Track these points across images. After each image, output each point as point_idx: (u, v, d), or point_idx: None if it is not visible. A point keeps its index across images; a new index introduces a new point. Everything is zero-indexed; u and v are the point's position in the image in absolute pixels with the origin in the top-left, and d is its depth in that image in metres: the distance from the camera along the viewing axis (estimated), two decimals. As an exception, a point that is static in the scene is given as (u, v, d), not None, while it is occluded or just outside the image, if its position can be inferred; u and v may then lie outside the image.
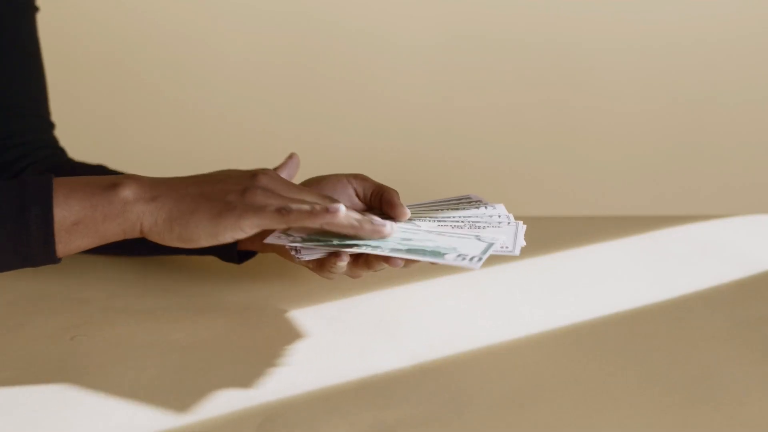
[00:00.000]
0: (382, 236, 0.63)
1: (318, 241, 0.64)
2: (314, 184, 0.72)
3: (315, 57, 1.64)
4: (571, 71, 1.64)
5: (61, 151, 0.91)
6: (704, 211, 1.02)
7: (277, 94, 1.65)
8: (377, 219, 0.64)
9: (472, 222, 0.69)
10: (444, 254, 0.61)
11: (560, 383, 0.60)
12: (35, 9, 0.90)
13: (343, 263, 0.65)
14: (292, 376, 0.60)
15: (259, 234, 0.73)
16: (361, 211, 0.71)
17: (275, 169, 0.74)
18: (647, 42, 1.63)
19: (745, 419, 0.55)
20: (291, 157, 0.77)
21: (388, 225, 0.64)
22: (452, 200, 0.74)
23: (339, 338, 0.67)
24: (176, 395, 0.58)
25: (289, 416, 0.55)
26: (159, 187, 0.64)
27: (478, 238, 0.64)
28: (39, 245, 0.61)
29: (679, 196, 1.64)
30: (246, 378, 0.60)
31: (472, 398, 0.57)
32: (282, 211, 0.61)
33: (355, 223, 0.63)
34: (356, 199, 0.72)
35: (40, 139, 0.88)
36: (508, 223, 0.68)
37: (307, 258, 0.66)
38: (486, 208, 0.72)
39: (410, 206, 0.74)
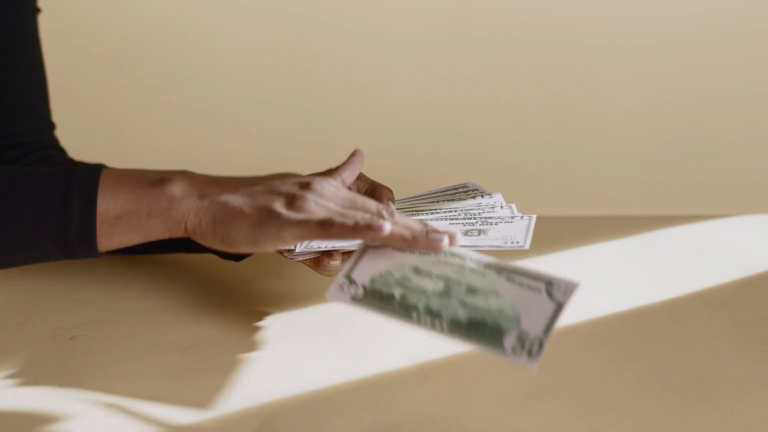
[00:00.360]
0: (438, 251, 0.59)
1: (377, 302, 0.58)
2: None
3: (315, 56, 1.64)
4: (570, 71, 1.64)
5: (62, 152, 0.91)
6: (704, 211, 1.02)
7: (276, 93, 1.65)
8: (435, 231, 0.59)
9: (469, 212, 0.69)
10: (504, 332, 0.54)
11: (560, 383, 0.60)
12: (37, 10, 0.90)
13: (337, 262, 0.65)
14: (292, 376, 0.60)
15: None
16: None
17: (337, 168, 0.69)
18: (647, 41, 1.63)
19: (745, 419, 0.55)
20: (354, 154, 0.70)
21: (446, 239, 0.59)
22: (449, 190, 0.74)
23: (339, 338, 0.67)
24: (176, 395, 0.58)
25: (289, 416, 0.55)
26: (209, 187, 0.62)
27: (549, 292, 0.55)
28: (80, 237, 0.60)
29: (679, 196, 1.64)
30: (246, 378, 0.60)
31: (472, 398, 0.57)
32: (324, 225, 0.59)
33: (408, 237, 0.59)
34: None
35: (40, 139, 0.88)
36: (521, 217, 0.68)
37: (301, 258, 0.66)
38: (483, 197, 0.72)
39: (407, 198, 0.74)
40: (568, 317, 0.70)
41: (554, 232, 0.92)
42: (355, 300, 0.58)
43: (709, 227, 0.95)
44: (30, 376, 0.61)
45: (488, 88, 1.65)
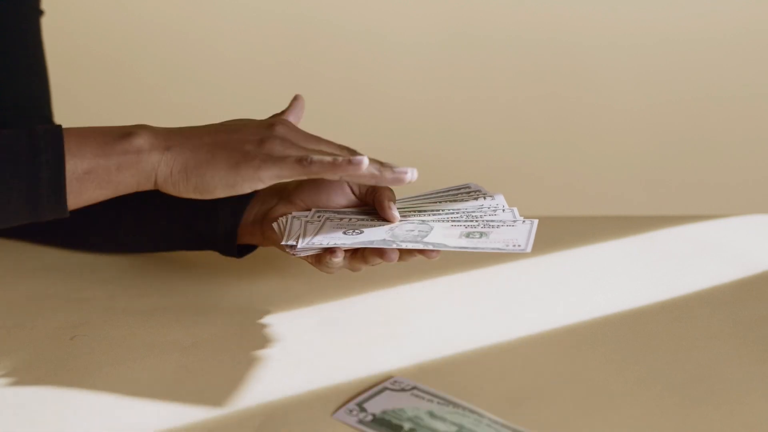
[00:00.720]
0: (402, 183, 0.62)
1: (384, 429, 0.54)
2: (310, 179, 0.71)
3: (315, 56, 1.64)
4: (570, 71, 1.64)
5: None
6: (704, 211, 1.02)
7: (276, 93, 1.65)
8: (399, 167, 0.63)
9: (471, 214, 0.69)
10: None
11: (560, 383, 0.60)
12: (39, 12, 0.90)
13: (339, 259, 0.65)
14: (292, 376, 0.60)
15: (258, 226, 0.73)
16: (356, 207, 0.71)
17: (281, 113, 0.71)
18: (647, 41, 1.63)
19: (745, 419, 0.55)
20: (296, 99, 0.73)
21: (410, 172, 0.62)
22: (451, 190, 0.74)
23: (339, 338, 0.67)
24: (176, 395, 0.58)
25: (289, 416, 0.55)
26: (174, 137, 0.62)
27: None
28: (49, 194, 0.59)
29: (679, 196, 1.64)
30: (246, 378, 0.60)
31: (472, 398, 0.57)
32: (303, 162, 0.60)
33: (376, 173, 0.62)
34: (351, 195, 0.72)
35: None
36: (523, 221, 0.67)
37: (303, 255, 0.66)
38: (485, 198, 0.71)
39: (409, 198, 0.74)
40: (569, 317, 0.70)
41: (554, 232, 0.92)
42: (362, 423, 0.55)
43: (709, 227, 0.95)
44: (30, 376, 0.61)
45: (488, 88, 1.65)
